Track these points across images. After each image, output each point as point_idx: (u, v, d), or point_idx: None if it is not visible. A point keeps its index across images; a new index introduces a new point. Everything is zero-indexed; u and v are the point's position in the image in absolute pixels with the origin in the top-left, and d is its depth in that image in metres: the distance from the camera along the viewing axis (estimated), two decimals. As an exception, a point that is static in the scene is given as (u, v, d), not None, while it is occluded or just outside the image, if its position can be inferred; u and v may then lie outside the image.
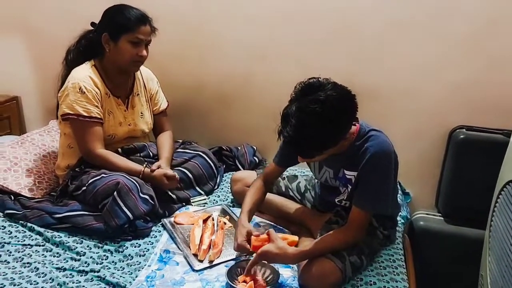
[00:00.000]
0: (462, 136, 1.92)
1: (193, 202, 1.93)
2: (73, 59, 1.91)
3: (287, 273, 1.49)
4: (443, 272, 1.98)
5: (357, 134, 1.46)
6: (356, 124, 1.47)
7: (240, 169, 2.18)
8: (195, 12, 2.18)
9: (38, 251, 1.58)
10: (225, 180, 2.13)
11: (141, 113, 2.00)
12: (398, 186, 2.01)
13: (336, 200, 1.60)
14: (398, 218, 1.79)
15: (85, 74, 1.83)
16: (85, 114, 1.79)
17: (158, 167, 1.83)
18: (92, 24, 1.86)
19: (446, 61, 1.94)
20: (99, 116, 1.83)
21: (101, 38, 1.81)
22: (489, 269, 1.64)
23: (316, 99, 1.28)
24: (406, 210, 1.97)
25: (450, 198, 2.00)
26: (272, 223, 1.79)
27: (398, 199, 1.85)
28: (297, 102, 1.31)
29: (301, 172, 2.12)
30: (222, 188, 2.07)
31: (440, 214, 2.06)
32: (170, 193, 1.88)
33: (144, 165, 1.83)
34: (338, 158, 1.49)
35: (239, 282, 1.42)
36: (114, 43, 1.80)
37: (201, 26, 2.20)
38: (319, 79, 1.35)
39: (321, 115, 1.27)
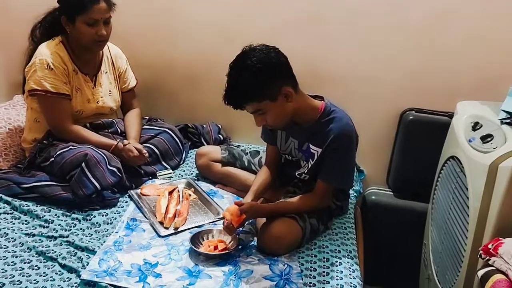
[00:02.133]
0: (411, 117, 2.07)
1: (159, 175, 2.01)
2: (40, 35, 1.92)
3: (247, 238, 1.60)
4: (391, 241, 2.14)
5: (323, 111, 1.58)
6: (322, 101, 1.60)
7: (205, 146, 2.26)
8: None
9: (7, 219, 1.63)
10: (190, 156, 2.21)
11: (109, 90, 2.03)
12: (353, 163, 2.16)
13: (297, 173, 1.71)
14: (352, 192, 1.93)
15: (52, 50, 1.84)
16: (53, 90, 1.82)
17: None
18: (58, 1, 1.86)
19: (400, 49, 2.06)
20: (67, 92, 1.86)
21: (61, 20, 1.82)
22: (430, 237, 1.81)
23: (243, 57, 1.46)
24: (360, 186, 2.11)
25: (399, 174, 2.16)
26: (236, 195, 1.89)
27: (352, 175, 1.99)
28: (230, 66, 1.48)
29: (263, 149, 2.22)
30: (188, 164, 2.15)
31: (390, 190, 2.22)
32: (137, 167, 1.95)
33: (118, 140, 1.88)
34: (303, 130, 1.61)
35: (202, 246, 1.52)
36: (72, 25, 1.81)
37: (171, 7, 2.24)
38: (252, 45, 1.49)
39: (245, 68, 1.43)
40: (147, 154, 1.90)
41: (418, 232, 1.97)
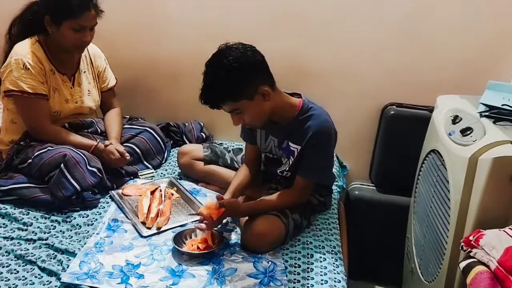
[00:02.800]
0: (392, 112, 2.08)
1: (140, 175, 1.98)
2: (17, 33, 1.87)
3: (232, 236, 1.59)
4: (374, 236, 2.16)
5: (300, 109, 1.58)
6: (299, 98, 1.60)
7: (187, 144, 2.24)
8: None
9: (-17, 223, 1.59)
10: (172, 155, 2.19)
11: (88, 90, 2.00)
12: (336, 159, 2.17)
13: (278, 170, 1.71)
14: (335, 187, 1.94)
15: (28, 50, 1.80)
16: (30, 90, 1.78)
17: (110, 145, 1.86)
18: (41, 1, 1.81)
19: (380, 45, 2.07)
20: (44, 93, 1.82)
21: (44, 19, 1.77)
22: (413, 231, 1.83)
23: (218, 55, 1.45)
24: (343, 181, 2.13)
25: (382, 169, 2.17)
26: (218, 193, 1.88)
27: (335, 170, 2.00)
28: (206, 65, 1.46)
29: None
30: (170, 163, 2.13)
31: (373, 184, 2.23)
32: (118, 168, 1.92)
33: (98, 141, 1.85)
34: (282, 128, 1.61)
35: (185, 245, 1.50)
36: (56, 28, 1.77)
37: (152, 5, 2.22)
38: (228, 43, 1.47)
39: (221, 67, 1.41)
40: (128, 157, 1.87)
41: (401, 226, 1.98)
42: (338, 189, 1.99)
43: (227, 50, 1.44)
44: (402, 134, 2.08)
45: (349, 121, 2.19)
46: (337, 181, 2.00)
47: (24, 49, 1.80)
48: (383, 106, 2.13)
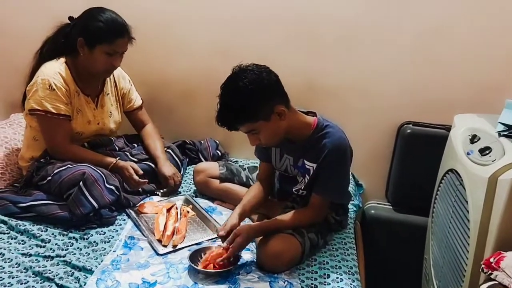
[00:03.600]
0: (409, 131, 2.08)
1: (161, 194, 1.98)
2: (47, 52, 1.90)
3: (247, 255, 1.58)
4: (391, 256, 2.13)
5: (316, 127, 1.58)
6: (314, 117, 1.61)
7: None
8: (161, 10, 2.23)
9: (3, 239, 1.60)
10: (188, 172, 2.20)
11: (110, 112, 2.02)
12: (352, 177, 2.16)
13: (294, 189, 1.70)
14: (351, 207, 1.93)
15: (55, 71, 1.82)
16: (53, 111, 1.80)
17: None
18: (70, 18, 1.85)
19: (397, 64, 2.09)
20: (67, 114, 1.84)
21: (76, 41, 1.80)
22: (431, 251, 1.80)
23: (233, 78, 1.47)
24: (359, 200, 2.11)
25: (398, 188, 2.15)
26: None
27: (351, 189, 1.99)
28: (221, 88, 1.48)
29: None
30: (186, 180, 2.14)
31: (389, 204, 2.21)
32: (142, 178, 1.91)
33: (117, 158, 1.87)
34: (297, 147, 1.61)
35: (201, 263, 1.50)
36: (88, 50, 1.79)
37: (166, 24, 2.26)
38: (242, 65, 1.49)
39: (237, 90, 1.43)
40: (146, 182, 1.88)
41: (418, 246, 1.95)
42: (354, 208, 1.98)
43: (242, 73, 1.46)
44: (418, 153, 2.07)
45: (365, 139, 2.18)
46: (353, 200, 1.98)
47: (51, 70, 1.82)
48: (400, 125, 2.13)
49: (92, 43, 1.78)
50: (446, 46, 2.00)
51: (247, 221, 1.81)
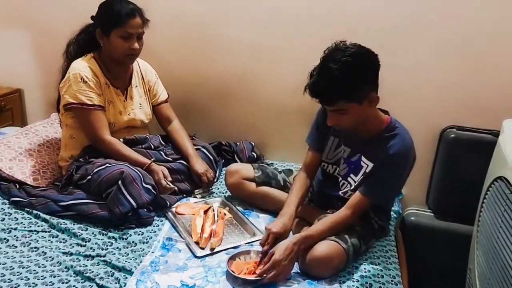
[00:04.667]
0: (452, 136, 2.00)
1: (197, 194, 1.99)
2: (73, 51, 1.97)
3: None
4: (433, 266, 2.06)
5: (387, 125, 1.55)
6: (387, 115, 1.58)
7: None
8: (198, 10, 2.23)
9: (45, 237, 1.63)
10: (223, 173, 2.18)
11: (140, 103, 2.06)
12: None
13: (340, 192, 1.64)
14: (391, 213, 1.87)
15: (84, 65, 1.89)
16: (88, 102, 1.85)
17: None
18: (92, 17, 1.91)
19: (439, 65, 2.02)
20: (102, 104, 1.89)
21: (96, 33, 1.87)
22: (477, 262, 1.72)
23: (341, 50, 1.41)
24: (399, 206, 2.05)
25: (440, 195, 2.08)
26: (270, 217, 1.84)
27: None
28: (324, 58, 1.43)
29: (296, 168, 2.19)
30: (221, 182, 2.12)
31: (430, 210, 2.14)
32: (171, 184, 1.93)
33: (151, 160, 1.88)
34: (361, 140, 1.57)
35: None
36: (106, 38, 1.85)
37: (204, 24, 2.25)
38: (345, 42, 1.44)
39: (344, 62, 1.37)
40: (175, 188, 1.88)
41: (462, 255, 1.87)
42: (394, 215, 1.92)
43: (351, 47, 1.41)
44: (463, 158, 1.99)
45: (405, 144, 2.11)
46: (393, 206, 1.92)
47: (81, 65, 1.89)
48: (442, 129, 2.05)
49: (107, 30, 1.84)
50: (494, 46, 1.92)
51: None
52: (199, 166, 1.98)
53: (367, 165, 1.56)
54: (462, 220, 2.00)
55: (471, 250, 1.81)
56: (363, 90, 1.42)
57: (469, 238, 1.83)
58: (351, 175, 1.60)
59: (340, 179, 1.65)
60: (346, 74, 1.37)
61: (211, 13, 2.23)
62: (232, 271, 1.44)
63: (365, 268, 1.53)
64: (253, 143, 2.32)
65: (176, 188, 1.89)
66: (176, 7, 2.25)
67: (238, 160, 2.25)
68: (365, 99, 1.44)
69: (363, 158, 1.57)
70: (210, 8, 2.22)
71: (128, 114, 2.00)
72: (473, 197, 1.79)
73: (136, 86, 2.05)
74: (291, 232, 1.59)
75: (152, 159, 1.90)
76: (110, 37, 1.84)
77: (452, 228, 2.04)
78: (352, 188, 1.60)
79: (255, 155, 2.28)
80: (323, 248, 1.46)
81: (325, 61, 1.41)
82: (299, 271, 1.49)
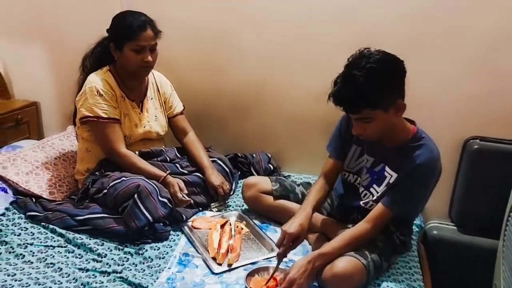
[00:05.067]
0: (476, 147, 1.94)
1: (213, 207, 1.96)
2: (89, 64, 1.97)
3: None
4: (456, 281, 1.99)
5: (414, 135, 1.50)
6: (413, 125, 1.54)
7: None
8: (214, 22, 2.23)
9: (61, 252, 1.61)
10: (240, 186, 2.15)
11: (155, 116, 2.05)
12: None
13: (362, 202, 1.60)
14: (413, 227, 1.81)
15: (100, 78, 1.89)
16: (104, 116, 1.84)
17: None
18: (108, 30, 1.90)
19: (461, 74, 1.97)
20: (117, 117, 1.88)
21: (110, 47, 1.87)
22: (503, 278, 1.65)
23: (366, 56, 1.37)
24: (420, 219, 1.99)
25: (464, 207, 2.01)
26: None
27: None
28: (348, 65, 1.40)
29: (314, 180, 2.14)
30: (238, 194, 2.09)
31: (453, 224, 2.07)
32: (187, 197, 1.90)
33: (167, 172, 1.86)
34: (386, 150, 1.53)
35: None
36: (120, 52, 1.85)
37: (220, 35, 2.24)
38: (369, 49, 1.41)
39: (369, 69, 1.34)
40: (191, 201, 1.85)
41: (486, 271, 1.81)
42: (416, 228, 1.86)
43: (376, 54, 1.39)
44: (487, 170, 1.93)
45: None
46: (414, 220, 1.87)
47: (97, 78, 1.89)
48: (465, 140, 2.00)
49: (120, 45, 1.84)
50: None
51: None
52: (215, 178, 1.96)
53: (391, 176, 1.51)
54: (486, 234, 1.94)
55: (497, 266, 1.75)
56: (389, 97, 1.39)
57: (494, 253, 1.77)
58: (374, 185, 1.55)
59: (362, 189, 1.61)
60: (371, 81, 1.33)
61: (226, 24, 2.22)
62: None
63: (388, 286, 1.48)
64: (269, 155, 2.29)
65: (192, 201, 1.86)
66: (192, 19, 2.24)
67: (254, 172, 2.22)
68: (391, 106, 1.40)
69: (387, 168, 1.53)
70: (225, 20, 2.21)
71: (144, 127, 1.99)
72: (498, 210, 1.73)
73: (151, 98, 2.04)
74: (307, 244, 1.55)
75: (167, 172, 1.88)
76: (123, 50, 1.84)
77: (476, 242, 1.97)
78: (374, 198, 1.55)
79: (271, 167, 2.25)
80: (342, 264, 1.41)
81: (350, 68, 1.38)
82: (318, 288, 1.45)
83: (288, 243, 1.47)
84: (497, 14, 1.86)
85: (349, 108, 1.41)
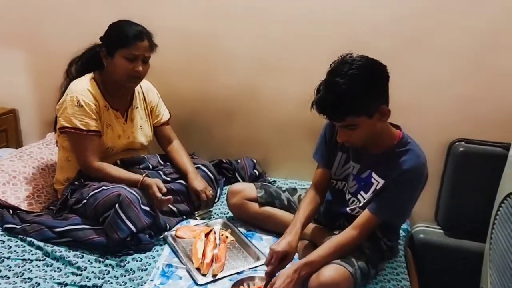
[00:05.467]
0: (461, 149, 1.93)
1: (197, 215, 1.92)
2: (75, 70, 1.91)
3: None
4: (444, 285, 1.98)
5: (399, 141, 1.49)
6: (399, 131, 1.52)
7: (240, 182, 2.16)
8: (202, 27, 2.18)
9: (39, 266, 1.56)
10: (224, 193, 2.11)
11: (140, 126, 1.99)
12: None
13: (348, 209, 1.58)
14: (400, 231, 1.80)
15: (83, 87, 1.81)
16: (82, 127, 1.78)
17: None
18: (101, 38, 1.85)
19: (447, 77, 1.96)
20: (97, 129, 1.82)
21: (100, 53, 1.82)
22: (490, 282, 1.65)
23: (348, 63, 1.35)
24: (407, 223, 1.98)
25: (450, 211, 2.01)
26: (275, 237, 1.77)
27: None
28: (330, 72, 1.38)
29: (301, 185, 2.12)
30: (223, 201, 2.05)
31: (439, 227, 2.06)
32: (171, 206, 1.86)
33: (144, 174, 1.81)
34: (371, 156, 1.51)
35: (244, 296, 1.41)
36: (110, 58, 1.79)
37: (207, 41, 2.20)
38: (351, 55, 1.39)
39: (352, 76, 1.32)
40: (171, 199, 1.78)
41: (473, 274, 1.80)
42: (403, 233, 1.85)
43: (358, 60, 1.37)
44: (472, 173, 1.93)
45: (411, 158, 2.05)
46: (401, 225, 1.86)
47: (80, 86, 1.82)
48: (450, 142, 1.99)
49: (112, 50, 1.78)
50: (503, 58, 1.86)
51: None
52: (198, 183, 1.91)
53: (378, 182, 1.49)
54: (473, 237, 1.93)
55: (484, 269, 1.75)
56: (373, 103, 1.37)
57: (481, 256, 1.77)
58: (361, 192, 1.53)
59: (349, 196, 1.59)
60: (354, 88, 1.31)
61: (214, 29, 2.18)
62: (237, 300, 1.37)
63: (375, 294, 1.45)
64: (255, 160, 2.25)
65: (172, 198, 1.79)
66: (179, 23, 2.20)
67: (239, 178, 2.19)
68: (376, 112, 1.38)
69: (373, 175, 1.51)
70: (213, 25, 2.17)
71: (128, 138, 1.94)
72: (484, 213, 1.73)
73: (137, 108, 1.98)
74: (296, 254, 1.51)
75: (144, 173, 1.83)
76: (114, 57, 1.77)
77: (463, 245, 1.97)
78: (361, 205, 1.53)
79: (257, 172, 2.21)
80: (329, 273, 1.38)
81: (332, 75, 1.36)
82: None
83: (276, 262, 1.43)
84: (486, 15, 1.86)
85: (332, 116, 1.39)
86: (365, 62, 1.36)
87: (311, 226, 1.69)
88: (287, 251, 1.45)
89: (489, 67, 1.89)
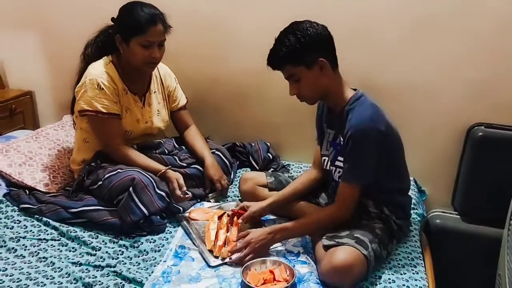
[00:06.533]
0: (480, 134, 1.89)
1: (211, 198, 1.92)
2: (91, 53, 1.90)
3: (304, 269, 1.47)
4: (459, 271, 1.96)
5: (350, 98, 1.52)
6: (355, 90, 1.55)
7: (254, 165, 2.17)
8: (211, 9, 2.16)
9: (54, 246, 1.58)
10: (238, 176, 2.11)
11: (158, 110, 1.99)
12: (414, 183, 2.00)
13: (336, 178, 1.60)
14: (414, 216, 1.77)
15: (102, 70, 1.81)
16: (104, 110, 1.78)
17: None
18: (113, 19, 1.82)
19: (465, 59, 1.91)
20: (117, 112, 1.82)
21: (115, 39, 1.79)
22: (507, 268, 1.62)
23: (295, 24, 1.49)
24: (422, 208, 1.95)
25: (467, 196, 1.97)
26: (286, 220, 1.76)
27: (414, 197, 1.83)
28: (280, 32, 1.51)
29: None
30: (236, 185, 2.04)
31: (456, 213, 2.03)
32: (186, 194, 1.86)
33: (167, 168, 1.81)
34: (336, 119, 1.57)
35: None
36: (126, 45, 1.77)
37: (217, 23, 2.18)
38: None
39: (293, 31, 1.46)
40: (190, 197, 1.80)
41: (490, 261, 1.77)
42: (418, 218, 1.82)
43: (303, 22, 1.49)
44: (491, 158, 1.89)
45: (429, 143, 2.02)
46: (416, 209, 1.83)
47: (98, 69, 1.81)
48: (469, 127, 1.95)
49: (127, 37, 1.76)
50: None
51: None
52: (214, 171, 1.92)
53: (342, 143, 1.53)
54: (491, 223, 1.90)
55: (501, 255, 1.71)
56: (308, 54, 1.45)
57: (499, 242, 1.74)
58: (339, 157, 1.56)
59: (331, 166, 1.61)
60: (291, 39, 1.44)
61: (227, 13, 2.15)
62: (248, 282, 1.37)
63: (389, 278, 1.43)
64: (268, 144, 2.24)
65: (191, 195, 1.81)
66: (190, 5, 2.18)
67: (253, 162, 2.18)
68: (314, 64, 1.46)
69: (340, 137, 1.55)
70: (225, 6, 2.15)
71: (146, 122, 1.94)
72: (502, 199, 1.70)
73: (154, 92, 1.98)
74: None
75: (168, 167, 1.82)
76: (130, 44, 1.75)
77: (480, 231, 1.94)
78: (340, 174, 1.57)
79: (270, 156, 2.20)
80: (342, 256, 1.36)
81: (280, 34, 1.49)
82: (318, 281, 1.41)
83: (241, 209, 1.67)
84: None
85: (272, 64, 1.50)
86: (307, 22, 1.48)
87: (310, 206, 1.72)
88: (256, 211, 1.66)
89: (507, 50, 1.83)
